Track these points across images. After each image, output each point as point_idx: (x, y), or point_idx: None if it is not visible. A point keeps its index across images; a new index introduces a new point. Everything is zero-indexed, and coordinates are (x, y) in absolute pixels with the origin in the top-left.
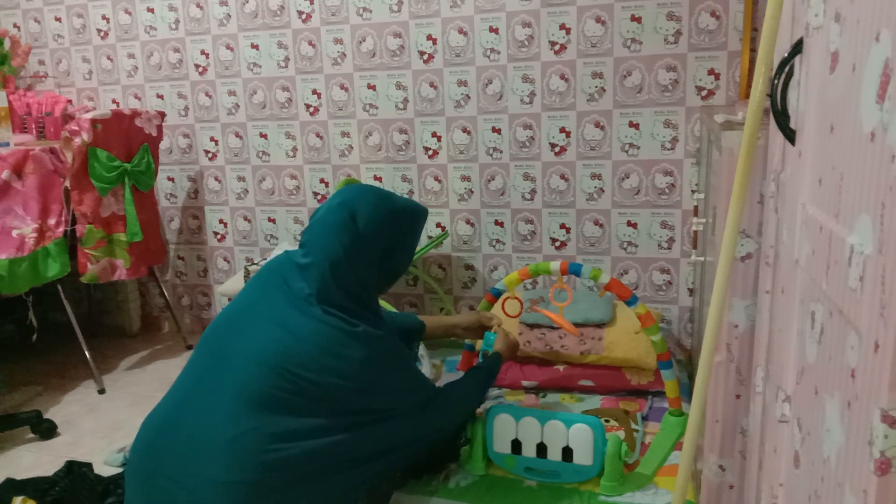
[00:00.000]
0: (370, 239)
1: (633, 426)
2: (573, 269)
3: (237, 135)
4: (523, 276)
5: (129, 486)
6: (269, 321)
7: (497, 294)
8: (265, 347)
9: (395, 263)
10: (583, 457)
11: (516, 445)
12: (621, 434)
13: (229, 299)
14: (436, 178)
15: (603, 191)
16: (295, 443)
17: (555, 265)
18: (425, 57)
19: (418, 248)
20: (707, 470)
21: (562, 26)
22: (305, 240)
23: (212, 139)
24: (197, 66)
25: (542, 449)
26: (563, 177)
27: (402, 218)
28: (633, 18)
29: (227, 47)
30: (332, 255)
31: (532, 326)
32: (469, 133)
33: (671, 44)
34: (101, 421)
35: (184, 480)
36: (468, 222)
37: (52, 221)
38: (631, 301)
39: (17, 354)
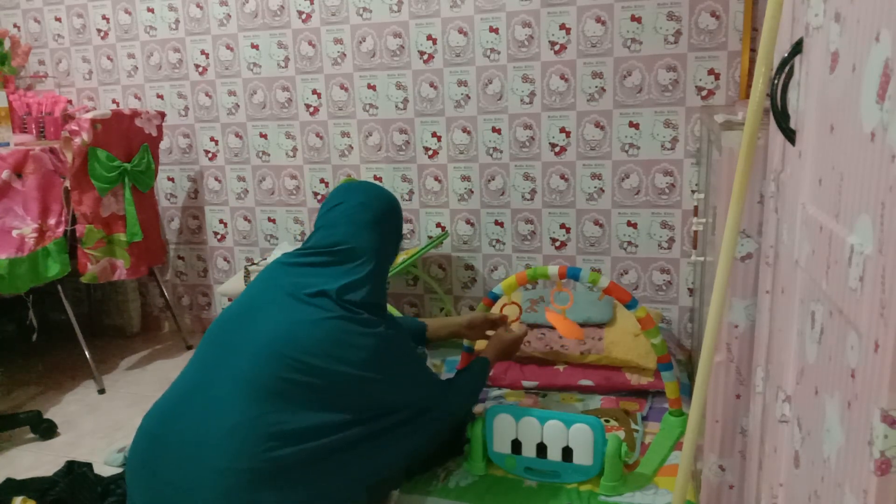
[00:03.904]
0: (390, 237)
1: (633, 426)
2: (571, 273)
3: (237, 135)
4: (521, 280)
5: (130, 476)
6: (275, 313)
7: (494, 298)
8: (271, 337)
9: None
10: (583, 457)
11: (516, 445)
12: (621, 434)
13: (229, 299)
14: (436, 178)
15: (603, 191)
16: (301, 445)
17: (553, 269)
18: (425, 57)
19: (418, 248)
20: (707, 470)
21: (562, 26)
22: (332, 237)
23: (212, 139)
24: (197, 66)
25: (542, 449)
26: (563, 177)
27: (400, 213)
28: (633, 18)
29: (227, 47)
30: (370, 251)
31: (532, 326)
32: (469, 133)
33: (671, 44)
34: (101, 421)
35: (187, 468)
36: (468, 222)
37: (52, 221)
38: (631, 305)
39: (17, 354)
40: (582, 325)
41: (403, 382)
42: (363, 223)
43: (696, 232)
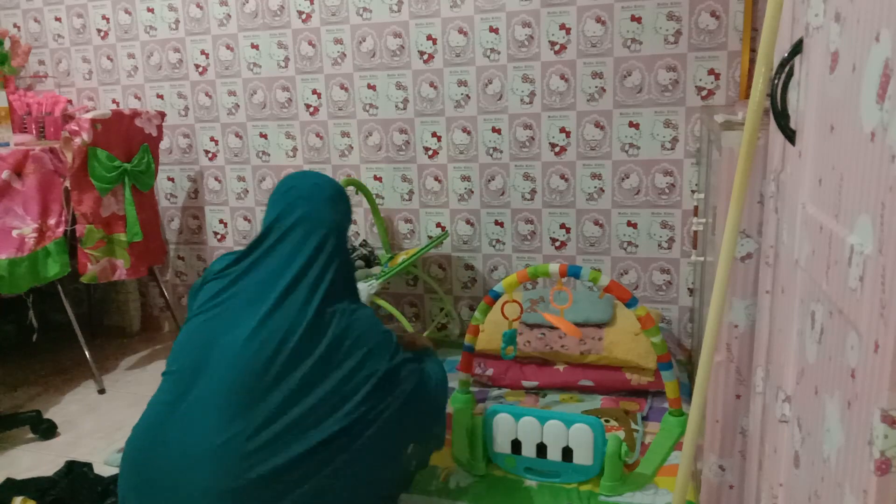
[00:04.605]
0: (346, 217)
1: (633, 426)
2: (572, 272)
3: (237, 135)
4: (522, 278)
5: (123, 501)
6: (247, 320)
7: (496, 296)
8: (245, 348)
9: None
10: (583, 457)
11: (516, 445)
12: (621, 434)
13: None
14: (436, 178)
15: (603, 191)
16: (287, 464)
17: (553, 267)
18: (425, 57)
19: (418, 248)
20: (707, 470)
21: (562, 26)
22: (291, 217)
23: (212, 139)
24: (197, 66)
25: (542, 449)
26: (563, 177)
27: (349, 198)
28: (633, 18)
29: (227, 47)
30: (332, 226)
31: (532, 326)
32: (469, 133)
33: (671, 44)
34: (101, 421)
35: (178, 491)
36: (468, 222)
37: (52, 221)
38: (631, 303)
39: (17, 354)
40: (582, 325)
41: (376, 353)
42: (322, 199)
43: (696, 232)
